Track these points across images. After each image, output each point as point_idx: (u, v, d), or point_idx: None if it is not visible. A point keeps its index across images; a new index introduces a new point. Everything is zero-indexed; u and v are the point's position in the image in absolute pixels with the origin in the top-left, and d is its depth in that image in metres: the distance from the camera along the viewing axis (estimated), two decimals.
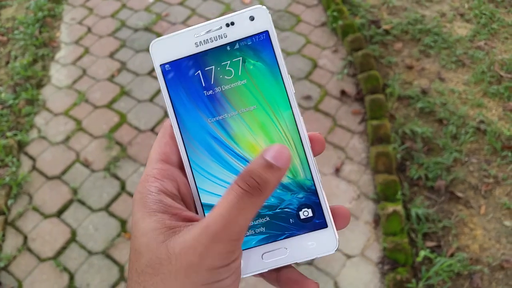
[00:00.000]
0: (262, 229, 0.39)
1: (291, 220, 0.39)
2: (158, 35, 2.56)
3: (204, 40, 0.39)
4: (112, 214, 1.89)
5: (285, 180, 0.39)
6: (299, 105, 2.18)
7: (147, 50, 2.48)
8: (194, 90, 0.39)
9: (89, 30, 2.65)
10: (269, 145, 0.35)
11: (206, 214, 0.39)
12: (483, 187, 1.88)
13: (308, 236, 0.39)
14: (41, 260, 1.80)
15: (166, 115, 2.19)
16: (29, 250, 1.82)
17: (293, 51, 2.41)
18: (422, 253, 1.70)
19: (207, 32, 0.39)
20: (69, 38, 2.62)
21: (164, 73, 0.39)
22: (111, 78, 2.38)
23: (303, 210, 0.39)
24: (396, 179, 1.88)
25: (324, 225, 0.39)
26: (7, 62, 2.53)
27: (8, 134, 2.15)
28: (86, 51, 2.53)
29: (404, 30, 2.47)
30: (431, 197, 1.87)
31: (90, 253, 1.80)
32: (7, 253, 1.81)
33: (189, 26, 0.41)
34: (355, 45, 2.35)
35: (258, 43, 0.39)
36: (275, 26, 0.39)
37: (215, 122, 0.39)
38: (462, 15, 2.56)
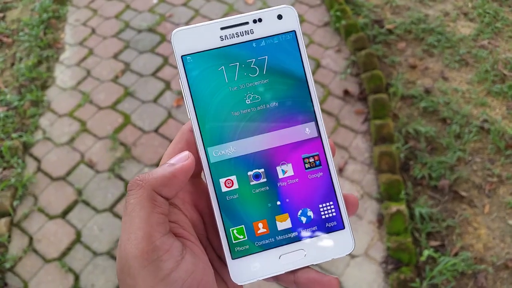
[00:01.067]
0: (280, 230, 0.38)
1: (309, 221, 0.38)
2: (162, 36, 2.57)
3: (230, 35, 0.38)
4: (116, 215, 1.90)
5: (303, 181, 0.39)
6: None
7: (151, 51, 2.49)
8: (216, 85, 0.38)
9: (93, 31, 2.66)
10: None
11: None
12: (487, 186, 1.88)
13: (325, 237, 0.38)
14: (47, 261, 1.81)
15: (170, 116, 2.20)
16: (35, 251, 1.83)
17: None
18: (426, 253, 1.70)
19: (234, 25, 0.38)
20: (73, 40, 2.63)
21: (186, 65, 0.38)
22: (115, 79, 2.40)
23: (321, 211, 0.39)
24: (400, 178, 1.88)
25: (341, 226, 0.39)
26: (12, 64, 2.55)
27: (14, 135, 2.16)
28: (90, 52, 2.55)
29: (407, 30, 2.47)
30: (434, 196, 1.87)
31: (95, 253, 1.81)
32: (13, 254, 1.82)
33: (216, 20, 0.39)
34: (358, 44, 2.35)
35: (285, 43, 0.39)
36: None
37: (236, 117, 0.38)
38: (465, 14, 2.55)
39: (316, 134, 0.40)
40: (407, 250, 1.70)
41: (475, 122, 2.06)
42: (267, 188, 0.38)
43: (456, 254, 1.72)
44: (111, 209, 1.92)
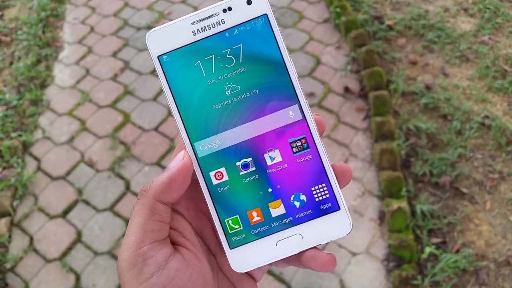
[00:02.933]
0: (274, 217, 0.38)
1: (302, 205, 0.38)
2: None
3: (201, 28, 0.38)
4: (117, 214, 1.90)
5: (293, 166, 0.38)
6: None
7: None
8: (195, 80, 0.38)
9: (92, 29, 2.65)
10: None
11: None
12: (488, 183, 1.87)
13: (321, 220, 0.38)
14: (47, 261, 1.81)
15: (170, 114, 2.19)
16: (35, 251, 1.83)
17: (296, 48, 2.40)
18: (428, 250, 1.70)
19: (204, 19, 0.38)
20: (72, 38, 2.62)
21: (163, 64, 0.38)
22: (114, 78, 2.39)
23: (314, 194, 0.38)
24: (401, 175, 1.88)
25: (336, 207, 0.38)
26: (11, 63, 2.54)
27: (13, 135, 2.16)
28: (89, 50, 2.54)
29: (407, 26, 2.46)
30: (436, 193, 1.87)
31: (96, 253, 1.81)
32: (13, 254, 1.82)
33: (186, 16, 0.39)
34: (358, 41, 2.34)
35: (258, 28, 0.38)
36: (277, 23, 0.38)
37: (218, 110, 0.38)
38: (466, 9, 2.54)
39: (300, 117, 0.39)
40: (409, 247, 1.70)
41: (476, 118, 2.05)
42: (257, 176, 0.38)
43: (457, 251, 1.71)
44: (111, 208, 1.92)
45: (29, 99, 2.31)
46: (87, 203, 1.94)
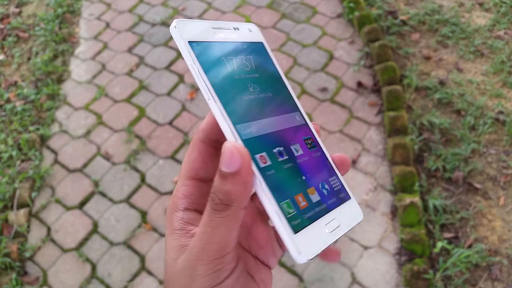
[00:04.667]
0: (314, 202, 0.39)
1: (328, 194, 0.40)
2: None
3: (220, 35, 0.41)
4: (132, 206, 1.93)
5: (311, 159, 0.41)
6: (315, 97, 2.18)
7: (165, 44, 2.51)
8: (224, 72, 0.39)
9: (108, 25, 2.69)
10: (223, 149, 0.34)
11: None
12: (502, 178, 1.87)
13: (343, 207, 0.41)
14: (64, 251, 1.85)
15: (184, 108, 2.22)
16: (53, 241, 1.87)
17: (309, 43, 2.41)
18: (440, 244, 1.70)
19: (221, 28, 0.42)
20: (88, 34, 2.66)
21: (194, 49, 0.39)
22: (129, 73, 2.42)
23: (332, 185, 0.41)
24: (414, 170, 1.88)
25: (348, 197, 0.42)
26: (29, 58, 2.59)
27: (31, 128, 2.20)
28: (105, 46, 2.57)
29: (421, 21, 2.45)
30: (449, 188, 1.87)
31: (112, 244, 1.85)
32: (32, 244, 1.87)
33: (205, 20, 0.41)
34: (372, 36, 2.34)
35: (259, 49, 0.43)
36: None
37: (247, 101, 0.39)
38: (481, 4, 2.52)
39: (304, 122, 0.43)
40: (421, 241, 1.70)
41: (490, 113, 2.04)
42: (291, 164, 0.39)
43: (470, 246, 1.71)
44: (127, 200, 1.95)
45: (46, 93, 2.35)
46: (103, 195, 1.98)
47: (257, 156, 0.38)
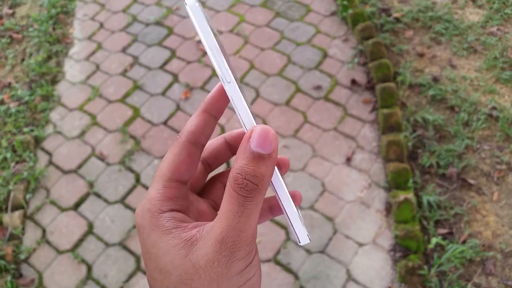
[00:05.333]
0: None
1: None
2: (169, 29, 2.58)
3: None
4: (127, 206, 1.93)
5: None
6: (310, 95, 2.19)
7: (159, 44, 2.51)
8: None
9: (101, 25, 2.69)
10: (249, 131, 0.33)
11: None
12: (496, 174, 1.87)
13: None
14: (60, 252, 1.85)
15: (178, 108, 2.22)
16: (48, 242, 1.87)
17: (303, 41, 2.41)
18: (434, 240, 1.71)
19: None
20: (82, 34, 2.66)
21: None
22: (124, 73, 2.42)
23: None
24: (408, 167, 1.88)
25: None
26: (23, 59, 2.59)
27: (25, 130, 2.20)
28: (99, 46, 2.57)
29: (415, 18, 2.46)
30: (443, 184, 1.87)
31: (107, 244, 1.85)
32: (27, 245, 1.87)
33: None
34: (366, 33, 2.35)
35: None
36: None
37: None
38: (474, 1, 2.52)
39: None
40: (415, 238, 1.71)
41: (484, 109, 2.05)
42: None
43: (464, 242, 1.72)
44: (122, 200, 1.95)
45: (41, 94, 2.35)
46: (98, 195, 1.98)
47: None
